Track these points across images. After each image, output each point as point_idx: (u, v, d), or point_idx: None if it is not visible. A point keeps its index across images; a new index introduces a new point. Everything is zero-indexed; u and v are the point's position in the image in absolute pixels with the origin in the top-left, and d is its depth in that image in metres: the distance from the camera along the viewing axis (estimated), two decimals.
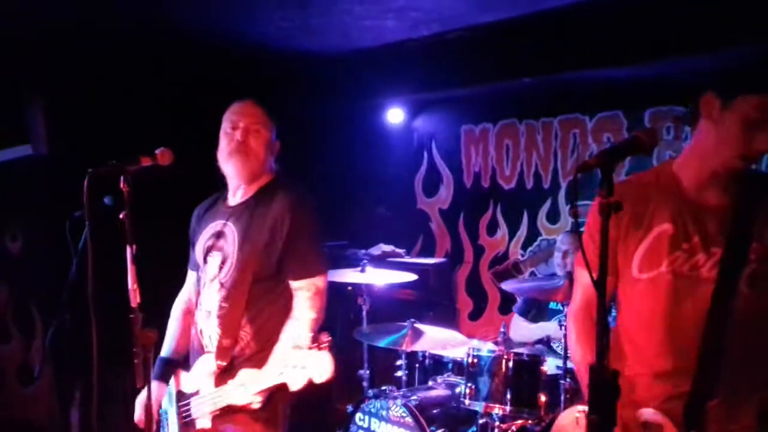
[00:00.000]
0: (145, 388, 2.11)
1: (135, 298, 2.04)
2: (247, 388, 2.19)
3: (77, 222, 3.50)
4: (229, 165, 2.46)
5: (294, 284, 2.39)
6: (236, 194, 2.53)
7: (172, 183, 2.91)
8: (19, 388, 4.57)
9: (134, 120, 4.24)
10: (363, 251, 5.19)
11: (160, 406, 2.50)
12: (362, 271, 3.87)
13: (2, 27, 3.59)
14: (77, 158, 2.38)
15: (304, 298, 2.38)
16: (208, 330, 2.42)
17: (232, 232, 2.46)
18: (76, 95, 4.25)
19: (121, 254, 2.07)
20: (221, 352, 2.35)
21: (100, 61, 4.13)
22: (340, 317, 4.97)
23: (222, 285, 2.41)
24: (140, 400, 2.40)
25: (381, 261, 4.93)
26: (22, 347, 4.63)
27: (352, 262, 4.21)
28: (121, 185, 2.07)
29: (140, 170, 2.16)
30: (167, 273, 2.92)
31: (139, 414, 2.44)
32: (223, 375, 2.32)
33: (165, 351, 2.61)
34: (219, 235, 2.49)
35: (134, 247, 2.05)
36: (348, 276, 3.85)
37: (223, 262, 2.43)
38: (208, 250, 2.51)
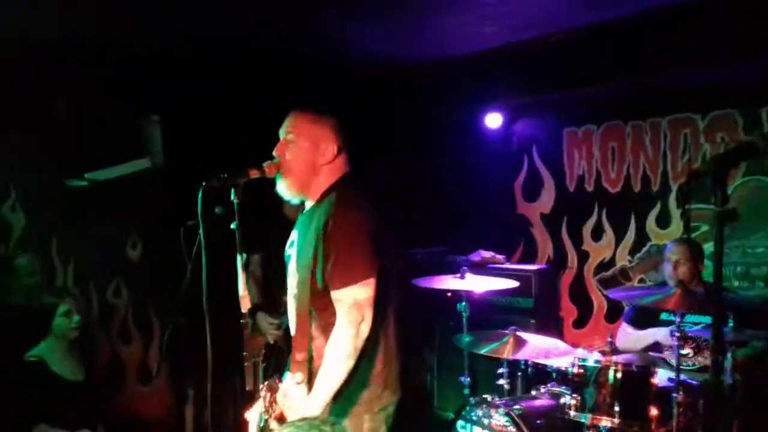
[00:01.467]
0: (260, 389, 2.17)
1: (245, 305, 2.12)
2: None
3: (191, 231, 3.69)
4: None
5: (334, 295, 2.23)
6: (308, 202, 2.47)
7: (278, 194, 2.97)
8: (138, 386, 4.84)
9: (243, 134, 4.42)
10: (462, 257, 5.16)
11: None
12: (462, 277, 3.85)
13: (121, 49, 3.85)
14: (191, 171, 2.49)
15: (343, 311, 2.21)
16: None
17: (296, 241, 2.42)
18: (190, 111, 4.49)
19: (232, 262, 2.17)
20: (295, 365, 2.26)
21: (211, 77, 4.34)
22: (439, 324, 4.96)
23: (294, 297, 2.38)
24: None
25: (481, 267, 4.88)
26: (142, 348, 4.91)
27: (452, 269, 4.19)
28: (232, 196, 2.16)
29: (249, 182, 2.24)
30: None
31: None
32: (309, 386, 2.26)
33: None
34: (291, 244, 2.46)
35: (245, 255, 2.13)
36: (447, 283, 3.83)
37: (292, 273, 2.39)
38: (286, 259, 2.47)
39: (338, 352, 2.18)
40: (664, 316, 3.91)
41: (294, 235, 2.47)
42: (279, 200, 2.47)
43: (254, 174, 2.26)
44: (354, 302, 2.19)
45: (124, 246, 4.82)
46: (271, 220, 2.71)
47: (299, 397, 2.18)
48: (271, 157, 2.32)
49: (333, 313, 2.24)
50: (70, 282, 4.55)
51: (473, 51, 4.33)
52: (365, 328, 2.20)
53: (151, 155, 4.45)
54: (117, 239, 4.79)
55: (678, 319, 3.16)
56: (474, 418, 3.52)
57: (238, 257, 2.12)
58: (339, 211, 2.24)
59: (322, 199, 2.35)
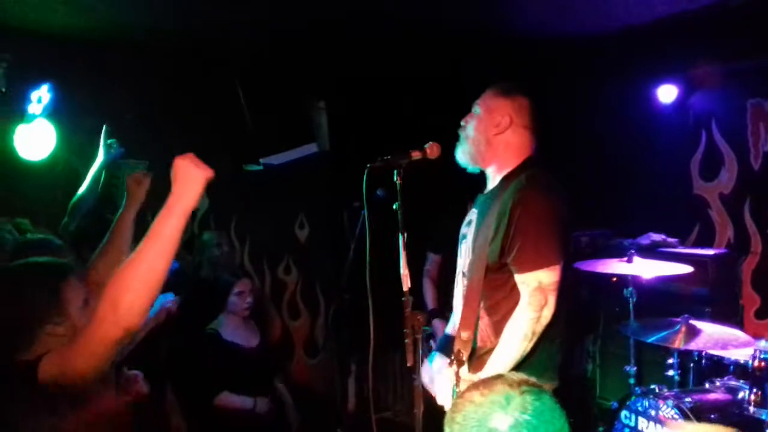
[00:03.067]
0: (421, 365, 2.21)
1: (406, 283, 2.17)
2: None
3: (355, 212, 3.84)
4: None
5: (517, 278, 2.26)
6: (489, 182, 2.51)
7: (441, 175, 3.00)
8: (305, 359, 5.15)
9: (405, 116, 4.51)
10: (630, 240, 4.91)
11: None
12: (629, 261, 3.66)
13: (291, 38, 4.05)
14: (355, 154, 2.59)
15: (525, 293, 2.22)
16: (456, 319, 2.45)
17: (474, 220, 2.46)
18: (354, 97, 4.65)
19: (394, 241, 2.23)
20: (460, 343, 2.31)
21: (373, 62, 4.46)
22: (603, 309, 4.77)
23: (464, 275, 2.43)
24: (424, 372, 2.44)
25: (650, 251, 4.61)
26: (309, 323, 5.21)
27: (618, 252, 4.00)
28: (395, 178, 2.22)
29: (411, 163, 2.29)
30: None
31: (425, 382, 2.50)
32: (469, 365, 2.32)
33: (449, 327, 2.66)
34: (469, 223, 2.51)
35: (406, 234, 2.18)
36: (613, 266, 3.67)
37: (466, 252, 2.44)
38: (461, 238, 2.53)
39: (517, 334, 2.20)
40: None
41: (472, 214, 2.52)
42: (443, 181, 2.50)
43: (416, 155, 2.30)
44: (539, 286, 2.21)
45: (293, 226, 5.13)
46: (453, 222, 2.73)
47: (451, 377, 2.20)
48: (434, 139, 2.35)
49: (504, 295, 2.28)
50: (246, 259, 4.92)
51: (645, 21, 4.08)
52: (547, 313, 2.21)
53: (318, 140, 4.68)
54: (287, 220, 5.11)
55: None
56: (639, 408, 3.36)
57: (400, 237, 2.18)
58: (530, 195, 2.25)
59: (508, 180, 2.38)
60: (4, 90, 3.45)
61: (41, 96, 3.60)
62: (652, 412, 3.28)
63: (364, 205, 2.30)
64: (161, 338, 3.37)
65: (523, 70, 4.30)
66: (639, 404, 3.37)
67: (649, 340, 3.37)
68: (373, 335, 2.28)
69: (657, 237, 4.88)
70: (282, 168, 4.62)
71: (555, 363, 2.35)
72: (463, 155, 2.48)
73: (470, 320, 2.31)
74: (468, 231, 2.48)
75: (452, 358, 2.24)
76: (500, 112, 2.42)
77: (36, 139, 3.67)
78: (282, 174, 4.63)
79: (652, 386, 3.41)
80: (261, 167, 4.62)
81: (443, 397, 2.30)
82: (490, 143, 2.43)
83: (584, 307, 4.78)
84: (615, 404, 3.54)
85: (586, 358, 4.95)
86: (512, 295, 2.29)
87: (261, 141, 4.55)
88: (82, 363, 1.69)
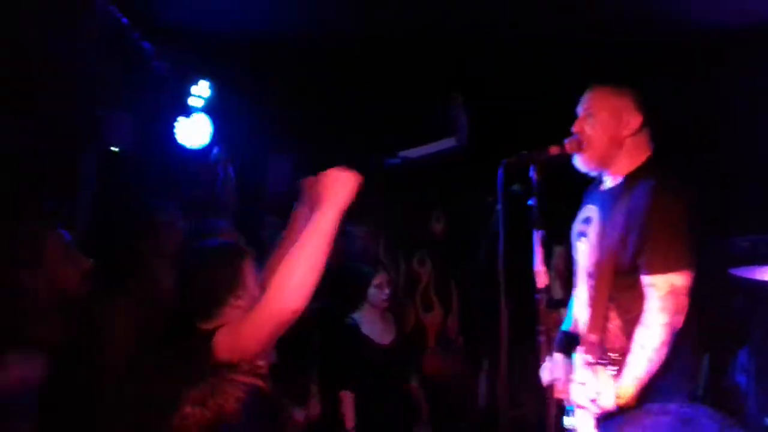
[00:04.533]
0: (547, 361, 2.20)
1: (541, 280, 2.14)
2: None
3: (490, 207, 3.81)
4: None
5: (646, 280, 2.18)
6: (607, 180, 2.42)
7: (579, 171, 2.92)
8: (437, 352, 5.18)
9: (545, 111, 4.41)
10: None
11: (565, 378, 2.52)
12: None
13: (430, 31, 4.09)
14: (493, 149, 2.58)
15: (656, 297, 2.14)
16: (582, 320, 2.38)
17: (596, 218, 2.38)
18: (493, 90, 4.62)
19: (529, 238, 2.20)
20: (588, 346, 2.26)
21: (512, 56, 4.40)
22: (760, 320, 4.42)
23: (589, 275, 2.35)
24: (546, 370, 2.40)
25: None
26: (442, 316, 5.23)
27: None
28: (531, 173, 2.19)
29: (549, 159, 2.25)
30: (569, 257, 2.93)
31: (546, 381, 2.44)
32: (596, 368, 2.23)
33: (565, 325, 2.61)
34: (587, 220, 2.43)
35: (541, 231, 2.15)
36: None
37: (590, 251, 2.37)
38: (577, 235, 2.46)
39: (652, 341, 2.13)
40: None
41: (590, 211, 2.44)
42: (581, 177, 2.44)
43: (554, 151, 2.27)
44: (671, 289, 2.13)
45: (429, 219, 5.18)
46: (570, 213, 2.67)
47: (606, 382, 2.16)
48: (572, 134, 2.30)
49: (635, 297, 2.20)
50: (381, 251, 5.03)
51: None
52: (680, 318, 2.13)
53: (456, 134, 4.69)
54: (423, 213, 5.16)
55: None
56: None
57: (535, 233, 2.15)
58: (661, 197, 2.19)
59: (633, 180, 2.30)
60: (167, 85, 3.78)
61: (201, 92, 3.90)
62: None
63: (498, 201, 2.28)
64: (309, 328, 3.52)
65: (669, 63, 4.07)
66: None
67: None
68: (504, 331, 2.27)
69: None
70: (420, 161, 4.67)
71: (692, 373, 2.28)
72: (587, 162, 2.37)
73: (599, 322, 2.26)
74: (587, 229, 2.41)
75: (604, 359, 2.20)
76: (626, 110, 2.33)
77: (194, 131, 3.99)
78: (420, 167, 4.67)
79: None
80: (399, 161, 4.70)
81: (606, 399, 2.21)
82: (620, 146, 2.34)
83: (738, 316, 4.45)
84: None
85: (740, 371, 4.60)
86: (644, 297, 2.21)
87: (400, 134, 4.62)
88: (250, 338, 1.91)
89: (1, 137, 3.01)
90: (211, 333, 1.96)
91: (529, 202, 2.19)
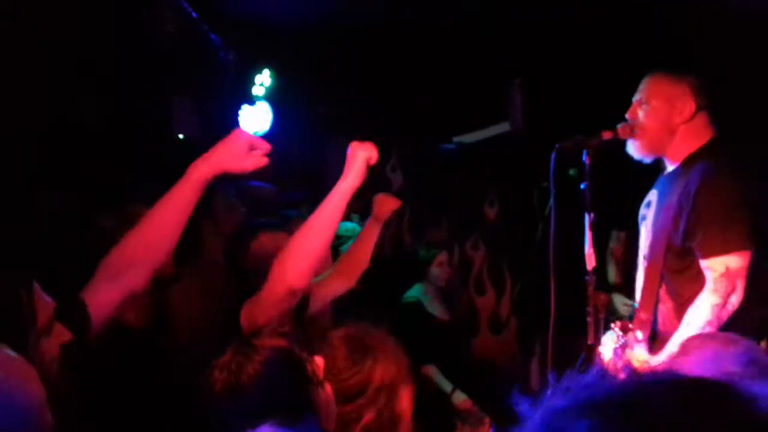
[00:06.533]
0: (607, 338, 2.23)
1: (591, 262, 2.18)
2: None
3: (544, 191, 3.83)
4: None
5: (702, 263, 2.16)
6: (668, 164, 2.41)
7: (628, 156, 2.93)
8: (489, 335, 5.23)
9: (600, 96, 4.36)
10: None
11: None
12: None
13: (485, 15, 4.10)
14: (548, 133, 2.60)
15: (711, 279, 2.12)
16: (637, 301, 2.41)
17: (654, 201, 2.39)
18: (548, 74, 4.60)
19: (581, 221, 2.24)
20: (638, 324, 2.27)
21: (567, 41, 4.37)
22: None
23: (645, 257, 2.37)
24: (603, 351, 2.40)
25: None
26: (494, 300, 5.28)
27: None
28: (584, 158, 2.23)
29: (602, 144, 2.27)
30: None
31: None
32: (650, 346, 2.27)
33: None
34: (648, 204, 2.45)
35: (593, 215, 2.19)
36: None
37: (647, 234, 2.39)
38: (640, 219, 2.48)
39: (699, 320, 2.13)
40: None
41: (652, 195, 2.46)
42: (632, 162, 2.45)
43: (607, 136, 2.28)
44: (726, 271, 2.11)
45: (483, 203, 5.21)
46: (639, 198, 2.69)
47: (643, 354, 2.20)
48: (622, 119, 2.32)
49: (688, 279, 2.21)
50: (443, 232, 5.09)
51: None
52: (734, 300, 2.12)
53: (511, 119, 4.70)
54: (478, 197, 5.20)
55: None
56: None
57: (586, 216, 2.19)
58: (716, 179, 2.18)
59: (690, 164, 2.29)
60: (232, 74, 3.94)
61: (263, 80, 4.04)
62: None
63: (552, 185, 2.32)
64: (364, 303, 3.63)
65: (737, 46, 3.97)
66: None
67: None
68: (554, 314, 2.31)
69: None
70: (475, 146, 4.71)
71: None
72: (640, 149, 2.36)
73: (649, 302, 2.27)
74: (647, 212, 2.42)
75: (621, 323, 2.24)
76: (679, 98, 2.31)
77: (256, 118, 4.14)
78: (475, 152, 4.72)
79: None
80: (454, 145, 4.75)
81: (605, 351, 2.27)
82: (673, 133, 2.33)
83: None
84: None
85: None
86: (698, 280, 2.20)
87: (455, 119, 4.67)
88: (260, 313, 2.02)
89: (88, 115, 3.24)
90: (239, 309, 2.07)
91: (581, 186, 2.22)
